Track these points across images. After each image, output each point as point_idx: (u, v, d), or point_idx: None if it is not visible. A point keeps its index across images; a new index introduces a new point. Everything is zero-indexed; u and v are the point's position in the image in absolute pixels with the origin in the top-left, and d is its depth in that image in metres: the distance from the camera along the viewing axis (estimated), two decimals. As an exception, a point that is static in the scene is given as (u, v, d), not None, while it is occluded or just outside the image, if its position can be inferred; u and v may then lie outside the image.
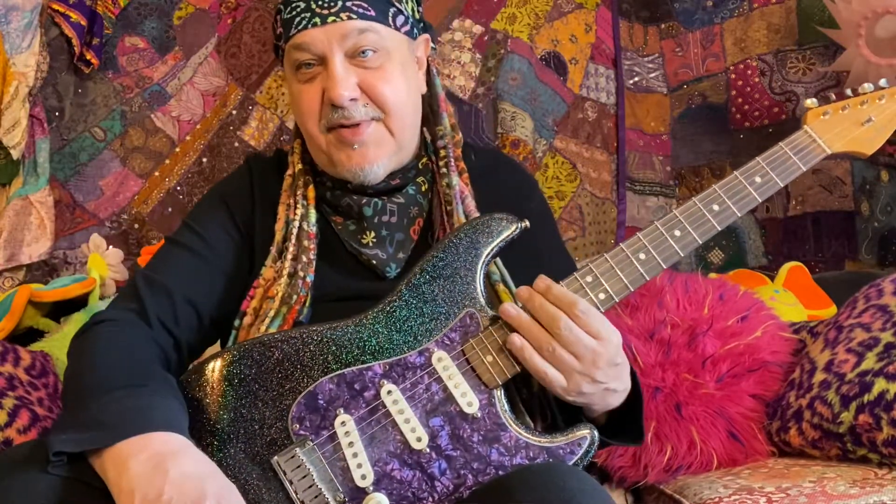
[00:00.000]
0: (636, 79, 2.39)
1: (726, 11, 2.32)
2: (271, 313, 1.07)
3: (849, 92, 1.13)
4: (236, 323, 1.11)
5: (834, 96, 1.13)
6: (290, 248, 1.11)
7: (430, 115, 1.21)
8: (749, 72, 2.27)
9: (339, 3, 1.06)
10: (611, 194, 2.34)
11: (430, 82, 1.21)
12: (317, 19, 1.05)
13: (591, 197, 2.31)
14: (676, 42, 2.37)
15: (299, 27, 1.07)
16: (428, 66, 1.20)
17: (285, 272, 1.09)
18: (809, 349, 1.42)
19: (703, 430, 1.36)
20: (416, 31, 1.15)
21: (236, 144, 2.25)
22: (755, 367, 1.41)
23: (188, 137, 2.24)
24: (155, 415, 0.86)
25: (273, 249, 1.12)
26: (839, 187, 2.15)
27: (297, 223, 1.12)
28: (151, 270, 1.10)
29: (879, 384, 1.20)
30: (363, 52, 1.07)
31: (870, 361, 1.25)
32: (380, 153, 1.10)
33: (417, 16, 1.16)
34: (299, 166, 1.17)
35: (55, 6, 2.08)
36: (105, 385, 0.89)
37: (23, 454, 0.86)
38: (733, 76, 2.29)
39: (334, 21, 1.05)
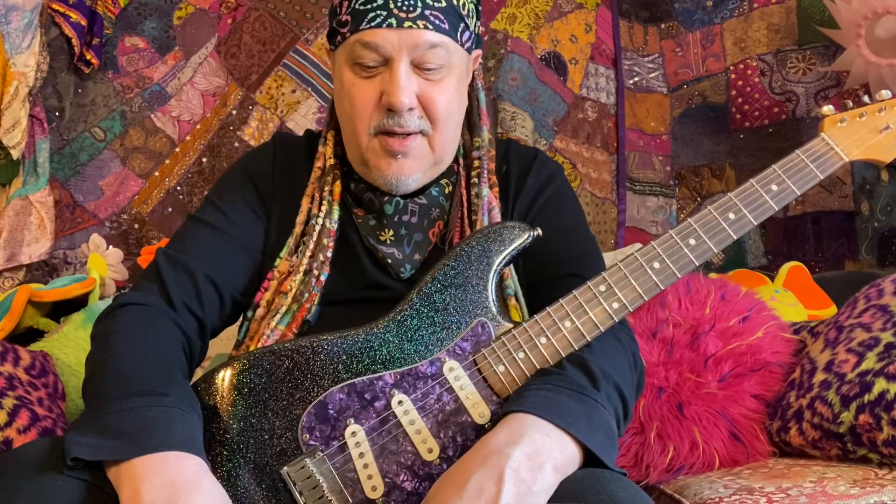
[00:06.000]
0: (636, 79, 2.39)
1: (726, 11, 2.32)
2: (283, 309, 1.06)
3: (866, 99, 1.11)
4: (249, 314, 1.09)
5: (851, 103, 1.11)
6: (310, 245, 1.09)
7: (467, 124, 1.19)
8: (749, 72, 2.27)
9: (419, 10, 1.02)
10: (611, 194, 2.34)
11: (472, 94, 1.19)
12: (392, 20, 1.01)
13: (591, 197, 2.31)
14: (676, 42, 2.37)
15: (372, 23, 1.02)
16: (473, 78, 1.18)
17: (302, 268, 1.08)
18: (810, 349, 1.42)
19: (706, 431, 1.37)
20: (473, 46, 1.13)
21: (236, 144, 2.24)
22: (757, 367, 1.42)
23: (188, 137, 2.23)
24: (174, 431, 0.84)
25: (291, 242, 1.11)
26: (839, 187, 2.15)
27: (320, 219, 1.10)
28: (173, 249, 1.08)
29: (880, 384, 1.20)
30: (428, 65, 1.04)
31: (870, 361, 1.25)
32: (417, 167, 1.08)
33: (477, 31, 1.14)
34: (331, 161, 1.15)
35: (55, 6, 2.08)
36: (127, 387, 0.88)
37: (38, 453, 0.84)
38: (733, 76, 2.30)
39: (410, 27, 1.02)
